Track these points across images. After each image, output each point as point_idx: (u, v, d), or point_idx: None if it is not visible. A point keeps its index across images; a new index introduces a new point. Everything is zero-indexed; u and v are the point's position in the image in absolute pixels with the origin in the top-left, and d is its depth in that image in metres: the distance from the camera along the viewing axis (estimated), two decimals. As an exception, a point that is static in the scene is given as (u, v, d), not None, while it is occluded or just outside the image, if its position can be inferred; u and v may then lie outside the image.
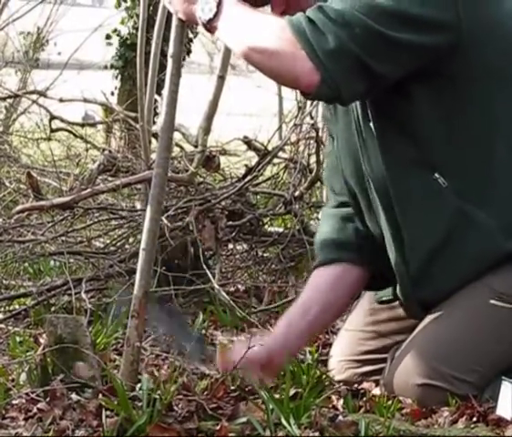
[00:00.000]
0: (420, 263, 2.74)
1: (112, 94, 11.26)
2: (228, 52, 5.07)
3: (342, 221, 2.94)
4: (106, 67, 12.59)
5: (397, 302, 2.90)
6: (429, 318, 2.72)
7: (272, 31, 2.58)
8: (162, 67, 3.20)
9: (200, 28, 2.70)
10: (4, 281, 4.07)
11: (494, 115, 2.64)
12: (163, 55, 3.58)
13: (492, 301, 2.51)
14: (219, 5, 2.59)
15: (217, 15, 2.60)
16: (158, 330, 2.97)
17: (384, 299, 2.93)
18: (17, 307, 3.70)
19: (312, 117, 4.98)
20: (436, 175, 2.67)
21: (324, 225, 3.02)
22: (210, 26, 2.64)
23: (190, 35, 10.98)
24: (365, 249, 2.88)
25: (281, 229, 4.63)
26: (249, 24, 2.65)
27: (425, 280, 2.75)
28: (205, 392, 2.56)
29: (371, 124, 2.72)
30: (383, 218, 2.79)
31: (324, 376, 2.87)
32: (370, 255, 2.87)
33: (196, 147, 5.35)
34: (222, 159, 5.82)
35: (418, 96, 2.64)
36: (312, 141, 4.80)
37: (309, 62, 2.51)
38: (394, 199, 2.74)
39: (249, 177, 4.49)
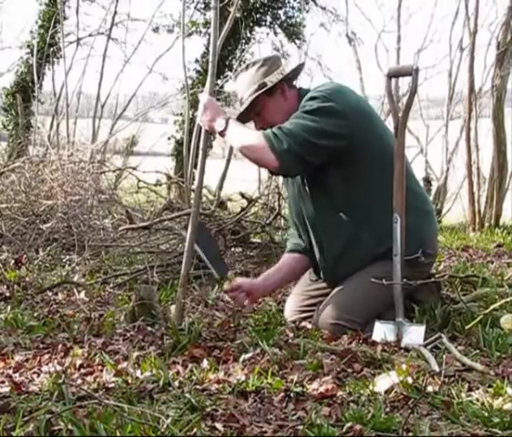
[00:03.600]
0: (332, 262, 2.76)
1: (171, 168, 11.31)
2: (231, 148, 5.07)
3: (297, 236, 2.93)
4: (168, 155, 12.62)
5: (320, 280, 2.87)
6: (336, 289, 2.71)
7: (254, 139, 2.62)
8: (197, 155, 3.21)
9: (217, 135, 2.71)
10: (113, 267, 4.03)
11: (370, 182, 2.65)
12: (197, 148, 3.58)
13: (371, 280, 2.49)
14: (226, 124, 2.62)
15: (225, 129, 2.63)
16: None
17: (313, 278, 2.91)
18: (120, 280, 3.66)
19: (275, 181, 4.99)
20: (341, 214, 2.67)
21: (290, 237, 3.02)
22: (222, 134, 2.67)
23: (212, 138, 11.02)
24: (309, 251, 2.87)
25: (259, 240, 4.60)
26: (242, 134, 2.67)
27: (335, 271, 2.76)
28: (218, 327, 2.53)
29: (306, 187, 2.75)
30: (313, 239, 2.82)
31: (282, 319, 2.83)
32: (311, 254, 2.86)
33: (214, 196, 5.32)
34: (228, 204, 5.79)
35: (331, 173, 2.66)
36: (276, 194, 4.78)
37: (273, 156, 2.55)
38: (319, 229, 2.78)
39: (242, 213, 4.46)
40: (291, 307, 2.93)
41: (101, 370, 2.05)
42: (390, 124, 2.71)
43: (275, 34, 12.65)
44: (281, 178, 4.63)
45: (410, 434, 1.57)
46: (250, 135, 2.67)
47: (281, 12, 12.53)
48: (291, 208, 2.94)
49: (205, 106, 2.65)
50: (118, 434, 1.51)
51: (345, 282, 2.69)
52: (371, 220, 2.66)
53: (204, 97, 2.68)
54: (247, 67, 2.80)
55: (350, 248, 2.69)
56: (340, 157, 2.63)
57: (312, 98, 2.63)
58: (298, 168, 2.65)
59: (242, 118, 2.76)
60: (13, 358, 2.18)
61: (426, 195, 3.00)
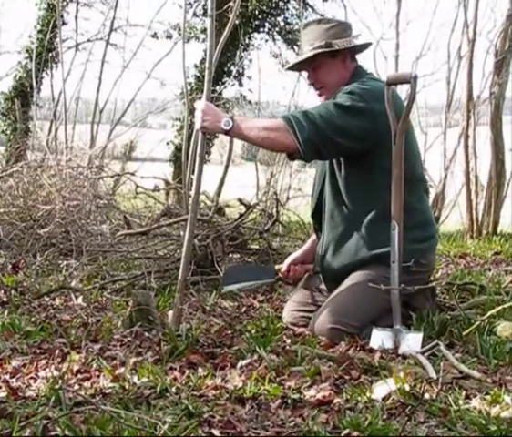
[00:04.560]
0: (325, 248, 2.80)
1: (169, 174, 11.28)
2: (230, 153, 5.05)
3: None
4: (167, 161, 12.61)
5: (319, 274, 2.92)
6: (333, 293, 2.72)
7: (273, 125, 2.64)
8: (195, 161, 3.20)
9: (217, 139, 2.74)
10: (110, 272, 4.02)
11: (381, 187, 2.62)
12: (195, 154, 3.58)
13: (369, 284, 2.49)
14: (232, 122, 2.60)
15: (232, 127, 2.60)
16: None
17: (317, 269, 2.92)
18: (117, 285, 3.65)
19: (274, 188, 4.96)
20: (345, 206, 2.73)
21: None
22: (230, 132, 2.66)
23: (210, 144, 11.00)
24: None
25: (257, 247, 4.59)
26: (257, 124, 2.69)
27: (324, 258, 2.81)
28: (216, 333, 2.52)
29: (327, 168, 2.79)
30: (323, 219, 2.84)
31: (280, 325, 2.82)
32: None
33: (212, 202, 5.31)
34: (226, 210, 5.78)
35: (347, 172, 2.72)
36: (274, 200, 4.77)
37: (294, 141, 2.57)
38: (326, 211, 2.81)
39: (240, 219, 4.45)
40: (290, 309, 2.94)
41: (98, 376, 2.05)
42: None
43: (274, 40, 12.67)
44: (279, 184, 4.62)
45: (407, 441, 1.57)
46: (265, 122, 2.72)
47: (279, 19, 12.56)
48: (314, 191, 2.97)
49: (204, 111, 2.63)
50: (115, 440, 1.51)
51: (341, 286, 2.70)
52: (369, 222, 2.68)
53: (201, 103, 2.67)
54: (319, 22, 2.85)
55: (342, 241, 2.73)
56: (358, 157, 2.66)
57: (351, 93, 2.65)
58: (312, 157, 2.70)
59: (296, 67, 2.86)
60: (10, 363, 2.18)
61: (429, 211, 2.93)
